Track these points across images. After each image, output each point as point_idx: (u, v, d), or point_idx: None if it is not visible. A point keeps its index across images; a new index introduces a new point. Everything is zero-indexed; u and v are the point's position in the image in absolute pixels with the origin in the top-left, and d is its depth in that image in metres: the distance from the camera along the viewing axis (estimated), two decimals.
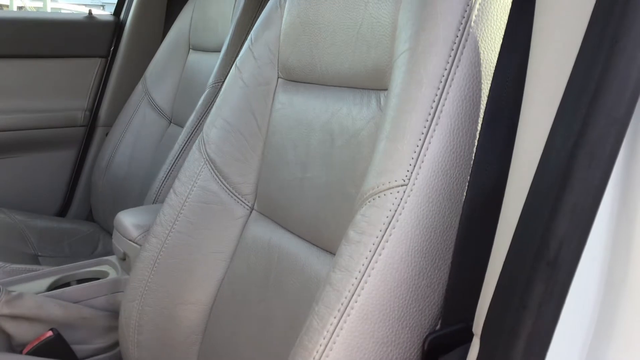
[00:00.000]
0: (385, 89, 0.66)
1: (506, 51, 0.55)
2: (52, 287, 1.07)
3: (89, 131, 1.83)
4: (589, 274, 0.40)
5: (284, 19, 0.86)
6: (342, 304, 0.55)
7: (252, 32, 0.91)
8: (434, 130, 0.56)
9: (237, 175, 0.88)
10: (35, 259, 1.40)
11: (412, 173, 0.56)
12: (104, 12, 2.13)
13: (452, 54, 0.57)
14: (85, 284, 1.07)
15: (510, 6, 0.55)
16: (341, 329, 0.55)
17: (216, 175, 0.88)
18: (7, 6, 5.36)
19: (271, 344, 0.76)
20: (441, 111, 0.56)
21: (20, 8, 5.57)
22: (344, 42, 0.74)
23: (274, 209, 0.85)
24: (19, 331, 0.96)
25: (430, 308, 0.57)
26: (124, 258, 1.08)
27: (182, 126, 1.43)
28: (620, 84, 0.36)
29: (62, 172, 1.80)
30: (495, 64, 0.57)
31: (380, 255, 0.55)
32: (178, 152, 1.29)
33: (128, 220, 1.07)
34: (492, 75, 0.57)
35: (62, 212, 1.81)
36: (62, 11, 4.88)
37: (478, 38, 0.57)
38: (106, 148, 1.68)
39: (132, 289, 0.90)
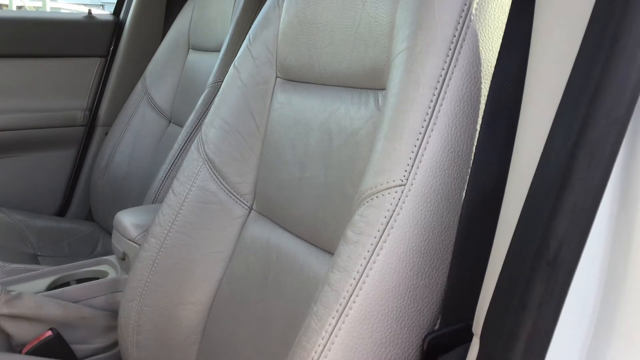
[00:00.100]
0: (383, 89, 0.66)
1: (506, 51, 0.54)
2: (52, 286, 1.07)
3: (88, 131, 1.83)
4: (588, 274, 0.40)
5: (282, 19, 0.86)
6: (340, 305, 0.55)
7: (250, 32, 0.91)
8: (432, 130, 0.56)
9: (235, 175, 0.88)
10: (34, 259, 1.40)
11: (410, 173, 0.55)
12: (104, 12, 2.13)
13: (450, 53, 0.57)
14: (85, 284, 1.07)
15: (508, 6, 0.55)
16: (339, 330, 0.55)
17: (215, 175, 0.88)
18: (7, 5, 5.36)
19: (270, 344, 0.76)
20: (439, 111, 0.56)
21: (19, 7, 5.58)
22: (341, 41, 0.74)
23: (272, 208, 0.84)
24: (19, 331, 0.96)
25: (429, 308, 0.57)
26: (123, 258, 1.08)
27: (181, 126, 1.43)
28: (620, 84, 0.36)
29: (62, 172, 1.80)
30: (493, 64, 0.57)
31: (378, 255, 0.55)
32: (178, 152, 1.29)
33: (127, 220, 1.07)
34: (490, 74, 0.57)
35: (61, 212, 1.81)
36: (62, 11, 4.88)
37: (476, 37, 0.57)
38: (106, 148, 1.68)
39: (131, 289, 0.90)
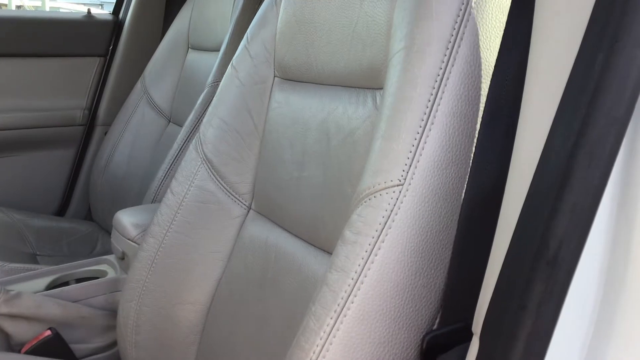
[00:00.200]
0: (381, 88, 0.66)
1: (506, 49, 0.54)
2: (51, 286, 1.07)
3: (87, 130, 1.83)
4: (588, 274, 0.40)
5: (279, 18, 0.86)
6: (338, 305, 0.55)
7: (248, 31, 0.91)
8: (430, 130, 0.56)
9: (234, 175, 0.88)
10: (33, 258, 1.40)
11: (407, 173, 0.55)
12: (103, 11, 2.12)
13: (448, 53, 0.56)
14: (84, 283, 1.07)
15: (507, 4, 0.55)
16: (338, 330, 0.54)
17: (213, 175, 0.88)
18: (6, 5, 5.36)
19: (268, 344, 0.76)
20: (437, 110, 0.56)
21: (18, 7, 5.57)
22: (339, 40, 0.74)
23: (271, 208, 0.84)
24: (18, 330, 0.96)
25: (428, 308, 0.57)
26: (122, 257, 1.08)
27: (181, 125, 1.43)
28: (619, 84, 0.36)
29: (61, 171, 1.80)
30: (492, 63, 0.57)
31: (376, 255, 0.55)
32: (177, 152, 1.29)
33: (127, 219, 1.07)
34: (489, 73, 0.57)
35: (60, 211, 1.81)
36: (61, 10, 4.88)
37: (474, 36, 0.57)
38: (105, 147, 1.68)
39: (129, 289, 0.90)
